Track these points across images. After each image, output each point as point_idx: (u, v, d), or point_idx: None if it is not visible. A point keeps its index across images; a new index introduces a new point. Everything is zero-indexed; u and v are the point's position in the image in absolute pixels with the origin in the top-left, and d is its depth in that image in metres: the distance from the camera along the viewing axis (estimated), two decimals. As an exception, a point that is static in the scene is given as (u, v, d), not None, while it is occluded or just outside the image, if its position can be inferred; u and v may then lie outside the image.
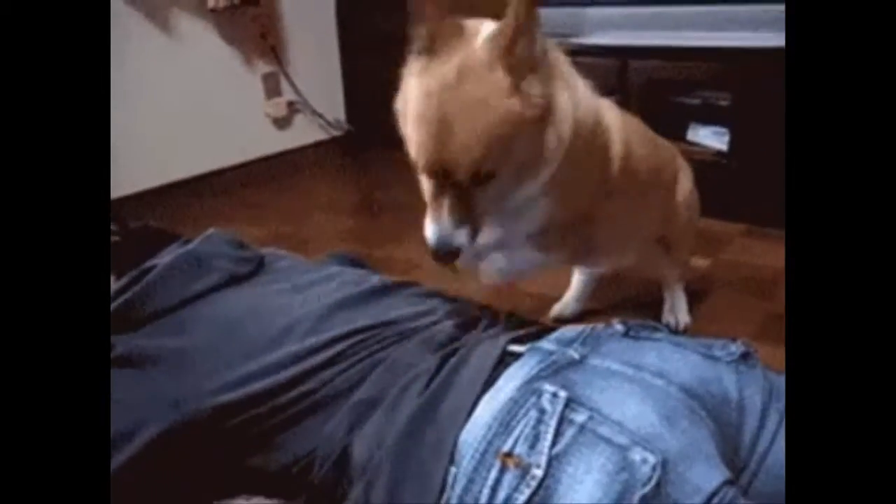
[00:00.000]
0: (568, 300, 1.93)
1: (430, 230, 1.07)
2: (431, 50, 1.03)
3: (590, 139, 1.17)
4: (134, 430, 1.00)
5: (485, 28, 1.04)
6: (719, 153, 2.49)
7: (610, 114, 1.28)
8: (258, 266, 1.28)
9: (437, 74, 1.01)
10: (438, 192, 1.05)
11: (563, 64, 1.14)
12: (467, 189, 1.04)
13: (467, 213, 1.06)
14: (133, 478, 1.00)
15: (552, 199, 1.17)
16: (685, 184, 1.65)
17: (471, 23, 1.07)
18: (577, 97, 1.13)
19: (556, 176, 1.12)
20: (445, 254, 1.07)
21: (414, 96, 1.04)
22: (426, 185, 1.08)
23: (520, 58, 0.99)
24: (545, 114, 1.05)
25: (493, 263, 1.25)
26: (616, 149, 1.27)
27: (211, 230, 1.31)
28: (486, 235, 1.16)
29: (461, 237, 1.06)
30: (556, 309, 1.92)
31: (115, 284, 1.25)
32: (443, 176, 1.03)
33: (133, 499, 1.02)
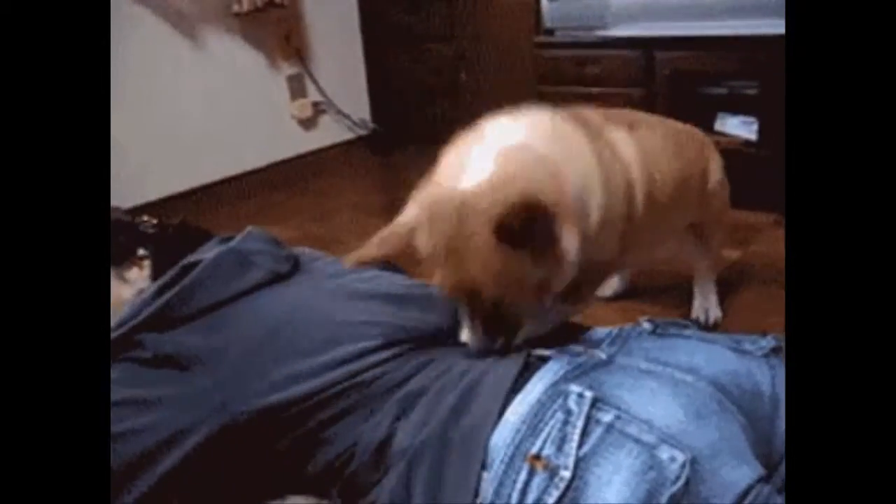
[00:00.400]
0: (610, 280, 1.94)
1: (469, 341, 1.12)
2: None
3: (609, 217, 1.17)
4: (183, 433, 1.02)
5: (475, 163, 1.07)
6: (748, 143, 2.46)
7: (627, 152, 1.26)
8: (296, 265, 1.28)
9: (440, 214, 1.06)
10: (471, 312, 1.10)
11: (567, 173, 1.10)
12: (495, 309, 1.07)
13: (501, 327, 1.09)
14: (181, 481, 1.01)
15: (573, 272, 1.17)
16: (715, 174, 1.63)
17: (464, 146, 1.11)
18: (585, 211, 1.12)
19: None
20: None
21: (426, 244, 1.09)
22: None
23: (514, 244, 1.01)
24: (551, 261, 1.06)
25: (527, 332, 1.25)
26: (640, 191, 1.27)
27: (249, 228, 1.30)
28: None
29: (497, 346, 1.10)
30: (600, 288, 1.92)
31: (151, 278, 1.26)
32: (470, 303, 1.08)
33: (181, 502, 1.04)
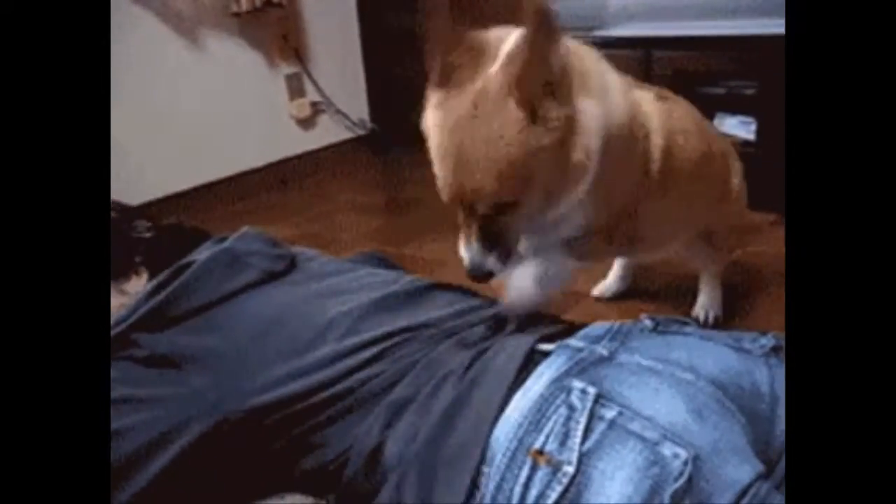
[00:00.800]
0: (611, 281, 1.95)
1: (463, 255, 1.09)
2: (448, 82, 1.02)
3: (626, 141, 1.14)
4: (176, 431, 1.01)
5: (507, 45, 1.01)
6: (747, 143, 2.46)
7: (649, 108, 1.24)
8: (291, 264, 1.29)
9: (453, 108, 1.01)
10: (466, 220, 1.07)
11: (590, 66, 1.09)
12: (493, 217, 1.05)
13: (496, 239, 1.07)
14: (173, 480, 1.01)
15: (588, 207, 1.15)
16: (736, 177, 1.62)
17: (493, 38, 1.04)
18: (607, 102, 1.09)
19: (590, 185, 1.10)
20: (480, 276, 1.09)
21: (433, 130, 1.05)
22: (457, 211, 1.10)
23: (534, 85, 0.96)
24: (567, 135, 1.02)
25: (526, 278, 1.21)
26: (656, 145, 1.24)
27: (245, 228, 1.31)
28: (521, 244, 1.18)
29: (491, 262, 1.08)
30: (599, 288, 1.95)
31: (149, 282, 1.26)
32: (467, 207, 1.05)
33: (173, 500, 1.03)
